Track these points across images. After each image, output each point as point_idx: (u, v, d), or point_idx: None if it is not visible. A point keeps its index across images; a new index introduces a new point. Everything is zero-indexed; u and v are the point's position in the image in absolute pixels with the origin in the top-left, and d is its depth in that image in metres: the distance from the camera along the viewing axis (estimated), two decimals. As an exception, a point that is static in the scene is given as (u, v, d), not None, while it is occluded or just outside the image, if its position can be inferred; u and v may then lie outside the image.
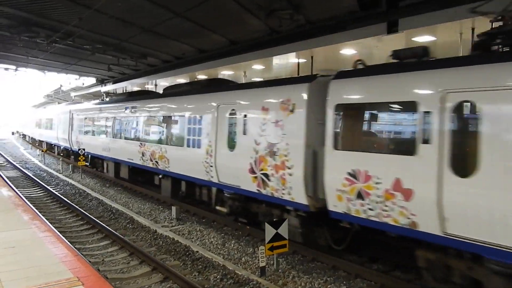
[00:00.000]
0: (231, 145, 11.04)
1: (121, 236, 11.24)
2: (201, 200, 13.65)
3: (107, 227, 12.08)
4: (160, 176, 15.49)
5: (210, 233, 11.93)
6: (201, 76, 19.95)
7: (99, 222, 12.69)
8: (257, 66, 17.12)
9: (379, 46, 12.21)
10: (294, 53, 13.67)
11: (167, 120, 14.71)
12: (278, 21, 11.53)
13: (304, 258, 9.77)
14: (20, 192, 17.06)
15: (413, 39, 10.83)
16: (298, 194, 8.91)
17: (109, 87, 28.29)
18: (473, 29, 9.54)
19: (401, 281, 8.25)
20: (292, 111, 9.06)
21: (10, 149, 43.70)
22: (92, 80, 29.96)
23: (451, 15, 8.55)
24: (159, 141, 15.05)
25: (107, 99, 25.70)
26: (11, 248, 7.20)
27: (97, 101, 27.42)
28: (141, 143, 16.30)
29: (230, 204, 11.71)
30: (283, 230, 8.85)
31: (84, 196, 17.81)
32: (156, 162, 15.00)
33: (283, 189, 9.25)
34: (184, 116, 13.38)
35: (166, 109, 14.86)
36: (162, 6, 11.79)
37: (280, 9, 11.04)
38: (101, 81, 29.00)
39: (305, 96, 8.87)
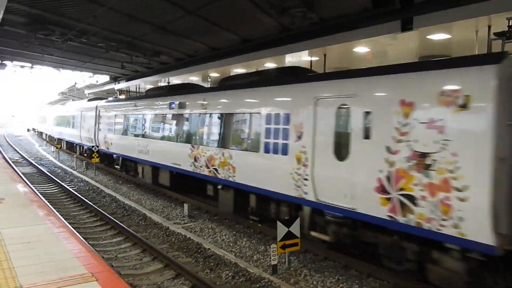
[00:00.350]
0: (342, 152, 8.37)
1: (134, 232, 11.33)
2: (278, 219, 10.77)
3: (120, 224, 12.20)
4: (219, 186, 12.79)
5: (222, 231, 11.96)
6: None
7: (112, 218, 12.82)
8: (270, 64, 17.09)
9: (393, 44, 12.11)
10: (307, 51, 13.61)
11: (233, 119, 12.07)
12: (291, 19, 11.48)
13: (316, 257, 9.75)
14: (35, 188, 17.31)
15: (427, 36, 10.71)
16: (476, 229, 6.21)
17: (122, 85, 28.50)
18: (489, 27, 9.40)
19: (414, 281, 8.18)
20: (463, 106, 6.35)
21: (25, 145, 44.35)
22: (105, 77, 30.23)
23: (467, 12, 8.43)
24: (221, 144, 12.28)
25: (142, 94, 23.99)
26: (26, 243, 7.31)
27: (129, 96, 26.65)
28: (193, 146, 13.69)
29: (334, 230, 9.01)
30: (295, 228, 8.83)
31: (98, 192, 18.00)
32: (215, 169, 12.43)
33: (444, 220, 6.53)
34: (259, 113, 10.81)
35: (230, 104, 12.27)
36: (175, 4, 11.82)
37: (293, 7, 10.99)
38: (115, 79, 29.23)
39: (492, 84, 6.08)
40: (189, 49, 17.85)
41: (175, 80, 24.08)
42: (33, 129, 73.28)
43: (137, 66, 22.02)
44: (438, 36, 10.58)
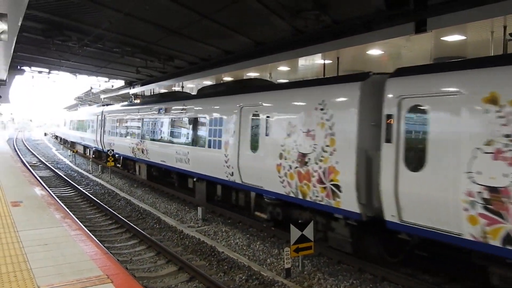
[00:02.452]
0: None
1: (148, 235, 11.43)
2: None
3: (135, 227, 12.31)
4: None
5: (236, 234, 11.98)
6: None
7: (127, 221, 12.94)
8: (283, 68, 17.12)
9: (408, 46, 12.03)
10: (320, 54, 13.59)
11: None
12: (304, 21, 11.50)
13: (330, 261, 9.69)
14: (52, 191, 17.59)
15: (442, 38, 10.62)
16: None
17: (137, 89, 28.86)
18: (505, 27, 9.28)
19: (429, 284, 8.08)
20: None
21: (43, 149, 45.09)
22: (121, 82, 30.64)
23: (482, 13, 8.34)
24: None
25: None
26: (44, 245, 7.43)
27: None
28: None
29: None
30: (309, 232, 8.80)
31: (113, 196, 18.19)
32: None
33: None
34: None
35: None
36: (190, 8, 11.94)
37: (306, 10, 11.01)
38: (130, 84, 29.61)
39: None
40: (202, 53, 17.99)
41: (189, 84, 24.24)
42: (54, 136, 62.74)
43: (151, 70, 22.28)
44: (453, 38, 10.50)
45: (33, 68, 24.52)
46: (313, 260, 9.70)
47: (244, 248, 10.83)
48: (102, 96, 38.60)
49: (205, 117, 14.02)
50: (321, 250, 9.93)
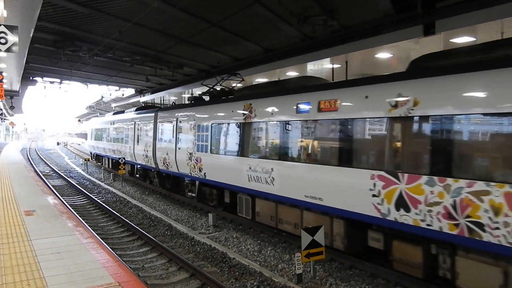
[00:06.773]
0: None
1: (160, 243, 11.45)
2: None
3: (147, 234, 12.35)
4: None
5: (247, 240, 11.96)
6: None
7: (139, 229, 12.99)
8: (291, 73, 17.14)
9: (417, 49, 11.97)
10: (329, 58, 13.59)
11: None
12: (312, 27, 11.52)
13: (342, 266, 9.62)
14: (65, 200, 17.75)
15: (451, 40, 10.55)
16: None
17: (148, 97, 29.10)
18: (515, 28, 9.21)
19: (443, 290, 7.97)
20: None
21: (55, 158, 45.58)
22: (131, 91, 30.93)
23: (491, 14, 8.28)
24: None
25: None
26: (56, 253, 7.49)
27: None
28: None
29: None
30: (319, 237, 8.75)
31: (125, 203, 18.29)
32: None
33: None
34: None
35: None
36: (198, 17, 12.05)
37: (313, 15, 11.03)
38: (140, 92, 29.87)
39: None
40: (212, 60, 18.11)
41: (198, 91, 24.36)
42: (65, 145, 57.19)
43: (161, 78, 22.47)
44: (462, 39, 10.42)
45: (45, 78, 24.93)
46: (324, 265, 9.64)
47: (255, 254, 10.80)
48: (113, 105, 38.90)
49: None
50: (333, 255, 9.87)
